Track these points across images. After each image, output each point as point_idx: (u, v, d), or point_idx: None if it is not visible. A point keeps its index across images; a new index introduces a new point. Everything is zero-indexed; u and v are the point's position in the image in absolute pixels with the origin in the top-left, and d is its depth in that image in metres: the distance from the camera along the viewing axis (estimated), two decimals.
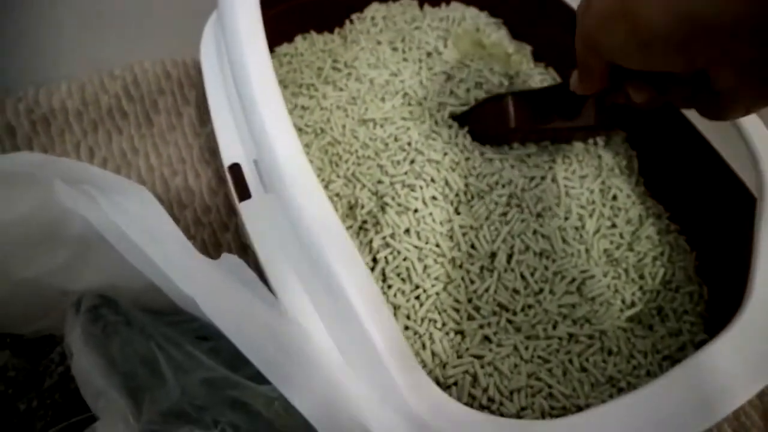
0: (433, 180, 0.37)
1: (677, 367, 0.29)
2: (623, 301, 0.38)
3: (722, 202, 0.38)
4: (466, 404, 0.32)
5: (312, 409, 0.24)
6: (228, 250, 0.41)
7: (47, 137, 0.44)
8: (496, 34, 0.49)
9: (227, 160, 0.34)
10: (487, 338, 0.35)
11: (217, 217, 0.43)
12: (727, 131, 0.36)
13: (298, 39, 0.48)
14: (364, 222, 0.37)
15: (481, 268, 0.37)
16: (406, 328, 0.34)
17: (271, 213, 0.30)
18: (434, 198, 0.37)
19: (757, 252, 0.32)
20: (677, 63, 0.22)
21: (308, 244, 0.26)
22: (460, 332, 0.34)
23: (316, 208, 0.27)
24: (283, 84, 0.45)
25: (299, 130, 0.42)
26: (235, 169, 0.33)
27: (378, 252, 0.35)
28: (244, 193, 0.32)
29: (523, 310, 0.36)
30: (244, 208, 0.31)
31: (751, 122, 0.35)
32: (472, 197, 0.38)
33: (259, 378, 0.24)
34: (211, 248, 0.41)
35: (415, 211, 0.36)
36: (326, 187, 0.39)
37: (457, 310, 0.35)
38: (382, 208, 0.37)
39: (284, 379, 0.23)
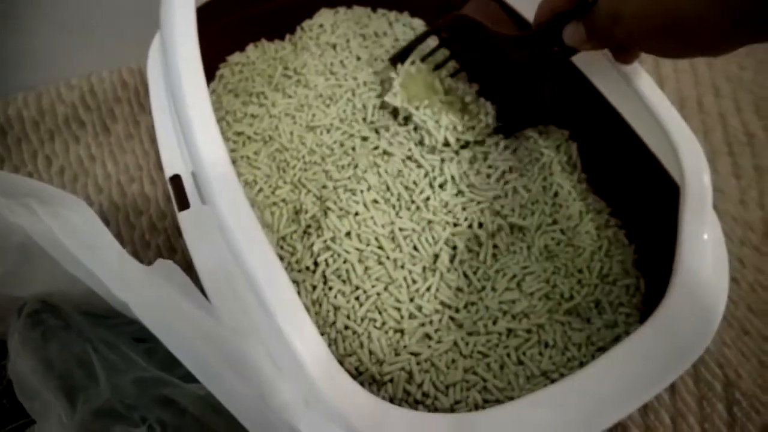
0: (373, 185, 0.39)
1: (603, 355, 0.31)
2: (561, 295, 0.39)
3: (655, 195, 0.40)
4: (400, 400, 0.33)
5: (241, 408, 0.25)
6: (182, 254, 0.42)
7: (3, 147, 0.45)
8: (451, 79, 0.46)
9: (168, 171, 0.35)
10: (427, 335, 0.36)
11: (171, 223, 0.44)
12: (653, 125, 0.37)
13: (250, 47, 0.49)
14: (308, 226, 0.38)
15: (424, 268, 0.38)
16: (346, 327, 0.35)
17: (207, 223, 0.31)
18: (375, 201, 0.38)
19: (681, 238, 0.34)
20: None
21: (234, 254, 0.27)
22: (400, 330, 0.36)
23: (240, 219, 0.28)
24: (234, 93, 0.46)
25: (248, 138, 0.43)
26: (176, 180, 0.34)
27: (319, 255, 0.36)
28: (183, 204, 0.33)
29: (465, 307, 0.38)
30: (182, 218, 0.33)
31: (670, 116, 0.36)
32: (413, 201, 0.39)
33: (190, 377, 0.25)
34: (165, 253, 0.43)
35: (356, 214, 0.38)
36: (273, 192, 0.40)
37: (398, 309, 0.36)
38: (325, 212, 0.38)
39: (213, 378, 0.25)
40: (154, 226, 0.44)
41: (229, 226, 0.28)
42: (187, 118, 0.32)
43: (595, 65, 0.42)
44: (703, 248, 0.33)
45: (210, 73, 0.48)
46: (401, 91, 0.44)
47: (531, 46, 0.39)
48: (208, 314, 0.27)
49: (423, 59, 0.47)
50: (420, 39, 0.46)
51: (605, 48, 0.37)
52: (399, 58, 0.47)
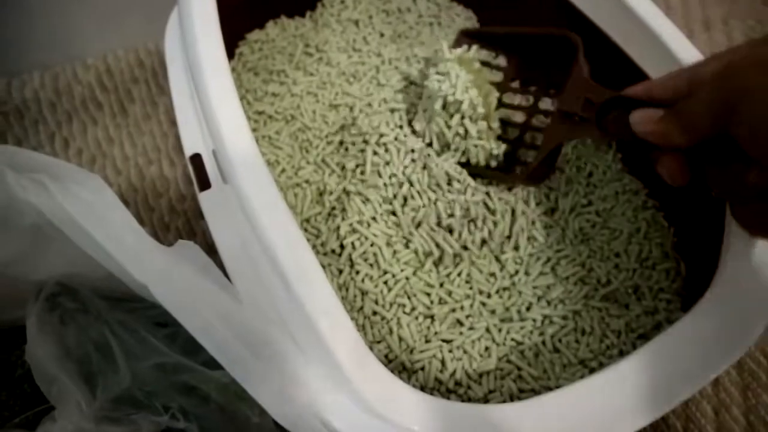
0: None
1: (645, 345, 0.29)
2: (598, 280, 0.37)
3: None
4: (431, 389, 0.32)
5: (266, 395, 0.24)
6: (202, 237, 0.41)
7: (21, 128, 0.44)
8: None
9: (189, 150, 0.33)
10: (458, 322, 0.35)
11: (192, 205, 0.43)
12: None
13: (270, 25, 0.48)
14: (333, 208, 0.37)
15: (455, 253, 0.36)
16: (375, 313, 0.34)
17: (228, 203, 0.30)
18: None
19: (729, 221, 0.32)
20: None
21: (257, 234, 0.26)
22: (430, 316, 0.34)
23: (264, 197, 0.26)
24: (254, 71, 0.45)
25: (269, 117, 0.42)
26: (196, 159, 0.33)
27: (345, 238, 0.35)
28: (205, 184, 0.32)
29: (497, 292, 0.36)
30: (203, 198, 0.31)
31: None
32: (438, 186, 0.37)
33: (213, 364, 0.24)
34: (185, 235, 0.41)
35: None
36: (296, 173, 0.39)
37: (428, 294, 0.35)
38: (348, 195, 0.36)
39: (236, 363, 0.23)
40: (174, 209, 0.43)
41: (251, 205, 0.27)
42: (206, 94, 0.31)
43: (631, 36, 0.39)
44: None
45: (229, 52, 0.46)
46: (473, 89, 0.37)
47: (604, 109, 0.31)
48: (231, 297, 0.25)
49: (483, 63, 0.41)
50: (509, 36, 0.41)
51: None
52: (471, 35, 0.42)
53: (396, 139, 0.38)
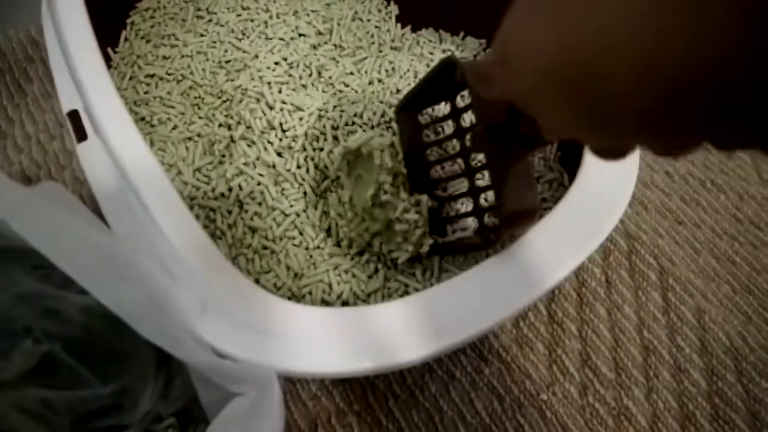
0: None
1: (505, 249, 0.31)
2: None
3: None
4: None
5: (133, 313, 0.25)
6: None
7: None
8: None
9: (66, 107, 0.34)
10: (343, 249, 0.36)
11: None
12: None
13: None
14: (222, 156, 0.38)
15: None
16: (264, 247, 0.35)
17: (101, 152, 0.31)
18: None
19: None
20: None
21: (118, 167, 0.27)
22: (319, 247, 0.36)
23: (121, 133, 0.28)
24: (146, 39, 0.45)
25: (161, 78, 0.42)
26: (74, 115, 0.34)
27: (232, 180, 0.36)
28: (82, 136, 0.33)
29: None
30: (80, 149, 0.32)
31: None
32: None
33: (83, 293, 0.25)
34: (89, 202, 0.42)
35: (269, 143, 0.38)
36: (188, 128, 0.40)
37: (318, 226, 0.36)
38: (234, 142, 0.38)
39: (101, 286, 0.24)
40: (77, 179, 0.44)
41: (113, 145, 0.28)
42: (68, 52, 0.31)
43: None
44: None
45: (121, 21, 0.47)
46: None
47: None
48: (98, 229, 0.26)
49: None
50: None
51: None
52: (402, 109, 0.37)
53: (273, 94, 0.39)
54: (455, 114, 0.34)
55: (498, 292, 0.29)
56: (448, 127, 0.36)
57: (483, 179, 0.34)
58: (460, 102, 0.34)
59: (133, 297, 0.25)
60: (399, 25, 0.48)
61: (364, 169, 0.34)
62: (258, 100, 0.39)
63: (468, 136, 0.33)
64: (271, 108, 0.38)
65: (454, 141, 0.35)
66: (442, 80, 0.32)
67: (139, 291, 0.25)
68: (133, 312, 0.25)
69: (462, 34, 0.46)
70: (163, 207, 0.27)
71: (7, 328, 0.24)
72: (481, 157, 0.34)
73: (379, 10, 0.49)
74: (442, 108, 0.36)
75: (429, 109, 0.36)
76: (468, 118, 0.34)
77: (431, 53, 0.46)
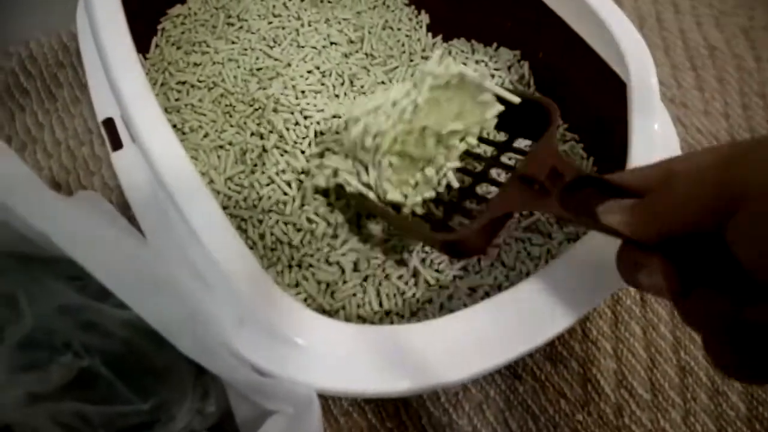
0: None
1: (547, 266, 0.30)
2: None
3: (608, 104, 0.39)
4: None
5: (172, 328, 0.24)
6: None
7: None
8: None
9: (101, 115, 0.34)
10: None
11: None
12: (600, 30, 0.36)
13: None
14: (255, 165, 0.38)
15: None
16: (294, 260, 0.34)
17: (137, 160, 0.31)
18: None
19: (631, 137, 0.33)
20: None
21: (158, 180, 0.27)
22: (350, 260, 0.35)
23: (163, 145, 0.27)
24: (177, 45, 0.45)
25: (192, 86, 0.42)
26: (109, 123, 0.34)
27: (262, 189, 0.36)
28: (117, 144, 0.32)
29: None
30: (116, 157, 0.32)
31: (615, 18, 0.35)
32: None
33: (121, 306, 0.24)
34: (119, 209, 0.42)
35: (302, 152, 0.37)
36: (219, 136, 0.39)
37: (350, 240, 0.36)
38: (266, 151, 0.37)
39: (140, 299, 0.24)
40: (107, 185, 0.43)
41: (152, 153, 0.27)
42: (107, 59, 0.31)
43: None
44: (653, 142, 0.32)
45: (152, 28, 0.47)
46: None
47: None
48: (135, 239, 0.26)
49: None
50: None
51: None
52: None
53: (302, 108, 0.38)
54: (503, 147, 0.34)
55: (540, 312, 0.28)
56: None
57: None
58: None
59: (171, 310, 0.25)
60: (430, 34, 0.48)
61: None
62: (292, 111, 0.38)
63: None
64: (306, 117, 0.38)
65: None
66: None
67: (177, 304, 0.25)
68: (171, 326, 0.24)
69: (495, 45, 0.45)
70: (202, 217, 0.26)
71: (47, 340, 0.23)
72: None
73: (410, 19, 0.49)
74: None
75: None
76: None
77: (464, 64, 0.45)
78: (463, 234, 0.27)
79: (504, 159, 0.34)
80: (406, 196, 0.32)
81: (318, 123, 0.38)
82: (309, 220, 0.35)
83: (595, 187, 0.25)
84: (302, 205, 0.36)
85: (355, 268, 0.34)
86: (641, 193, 0.22)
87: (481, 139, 0.34)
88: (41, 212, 0.25)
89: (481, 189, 0.35)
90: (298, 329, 0.26)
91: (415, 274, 0.35)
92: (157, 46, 0.46)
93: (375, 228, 0.36)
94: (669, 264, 0.20)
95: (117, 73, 0.29)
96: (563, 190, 0.26)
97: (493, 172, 0.35)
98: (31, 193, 0.25)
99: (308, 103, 0.39)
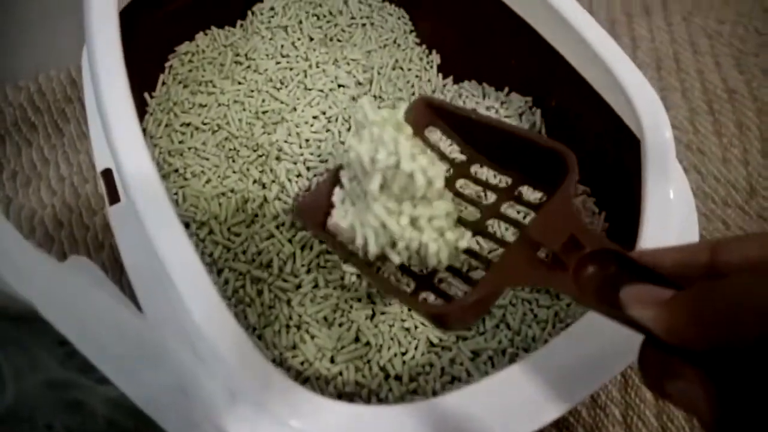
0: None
1: (562, 333, 0.28)
2: None
3: (622, 158, 0.37)
4: (349, 393, 0.32)
5: (158, 408, 0.23)
6: None
7: None
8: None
9: (100, 165, 0.33)
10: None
11: None
12: (612, 86, 0.35)
13: (200, 36, 0.48)
14: (255, 215, 0.37)
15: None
16: (291, 320, 0.33)
17: (132, 218, 0.30)
18: None
19: (644, 199, 0.31)
20: None
21: (151, 244, 0.26)
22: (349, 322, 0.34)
23: (156, 211, 0.27)
24: (183, 84, 0.45)
25: (196, 128, 0.42)
26: (107, 174, 0.33)
27: (261, 243, 0.35)
28: (114, 198, 0.32)
29: None
30: (112, 212, 0.31)
31: (627, 71, 0.34)
32: None
33: (106, 380, 0.24)
34: (117, 255, 0.41)
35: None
36: (221, 183, 0.39)
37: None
38: (268, 202, 0.37)
39: (124, 374, 0.23)
40: (108, 225, 0.43)
41: (144, 216, 0.27)
42: (104, 111, 0.30)
43: (548, 21, 0.39)
44: (668, 208, 0.31)
45: (159, 65, 0.46)
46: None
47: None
48: (125, 309, 0.25)
49: None
50: None
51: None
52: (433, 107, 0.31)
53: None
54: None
55: (567, 379, 0.27)
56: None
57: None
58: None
59: (160, 386, 0.24)
60: (440, 75, 0.47)
61: None
62: (295, 162, 0.38)
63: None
64: (308, 169, 0.37)
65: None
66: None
67: (166, 379, 0.24)
68: (158, 404, 0.23)
69: (506, 89, 0.44)
70: (190, 285, 0.25)
71: (29, 418, 0.23)
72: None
73: (421, 59, 0.48)
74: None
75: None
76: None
77: (474, 108, 0.44)
78: (452, 309, 0.23)
79: (508, 209, 0.29)
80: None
81: (322, 175, 0.37)
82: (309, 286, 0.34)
83: (621, 264, 0.20)
84: (303, 263, 0.35)
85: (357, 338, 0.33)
86: (679, 280, 0.18)
87: (480, 182, 0.30)
88: (28, 279, 0.24)
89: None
90: (291, 411, 0.25)
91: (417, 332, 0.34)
92: (164, 83, 0.45)
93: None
94: (712, 383, 0.16)
95: (115, 132, 0.29)
96: (578, 263, 0.21)
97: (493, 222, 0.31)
98: (18, 257, 0.24)
99: (311, 153, 0.38)
